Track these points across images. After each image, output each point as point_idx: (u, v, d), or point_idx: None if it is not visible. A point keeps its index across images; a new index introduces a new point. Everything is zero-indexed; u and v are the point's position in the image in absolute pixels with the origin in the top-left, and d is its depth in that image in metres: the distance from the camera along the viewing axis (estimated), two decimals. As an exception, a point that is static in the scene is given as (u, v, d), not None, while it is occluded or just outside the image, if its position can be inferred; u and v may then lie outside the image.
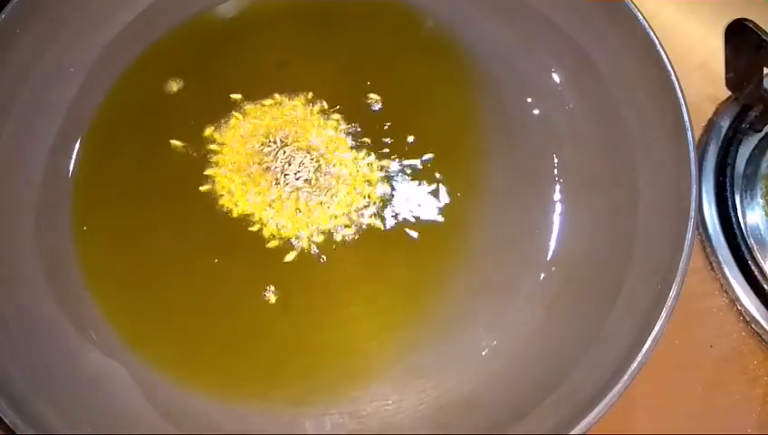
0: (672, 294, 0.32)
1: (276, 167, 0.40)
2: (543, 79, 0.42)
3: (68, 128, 0.41)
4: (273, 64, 0.43)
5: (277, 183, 0.39)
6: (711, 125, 0.43)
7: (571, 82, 0.41)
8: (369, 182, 0.40)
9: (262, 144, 0.40)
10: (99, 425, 0.33)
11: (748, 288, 0.39)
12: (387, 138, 0.41)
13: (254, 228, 0.39)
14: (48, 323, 0.36)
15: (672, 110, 0.36)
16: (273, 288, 0.37)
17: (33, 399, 0.32)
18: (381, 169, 0.40)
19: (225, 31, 0.44)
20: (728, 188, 0.41)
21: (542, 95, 0.42)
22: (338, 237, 0.38)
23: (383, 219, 0.39)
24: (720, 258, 0.40)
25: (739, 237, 0.39)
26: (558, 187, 0.40)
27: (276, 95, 0.42)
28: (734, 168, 0.41)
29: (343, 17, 0.44)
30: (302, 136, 0.41)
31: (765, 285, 0.38)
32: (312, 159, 0.40)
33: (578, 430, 0.30)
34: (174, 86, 0.42)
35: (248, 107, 0.41)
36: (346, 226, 0.39)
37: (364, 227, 0.39)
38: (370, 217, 0.39)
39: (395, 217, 0.39)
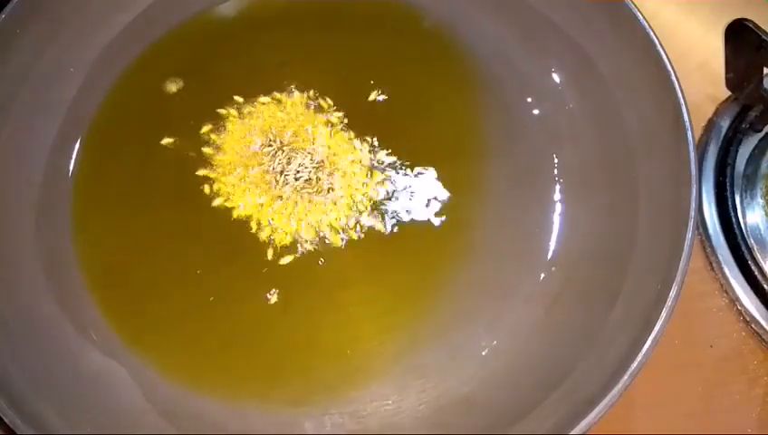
0: (672, 294, 0.32)
1: (276, 167, 0.40)
2: (543, 79, 0.42)
3: (68, 128, 0.41)
4: (273, 64, 0.43)
5: (277, 183, 0.39)
6: (711, 125, 0.43)
7: (571, 82, 0.41)
8: (369, 183, 0.40)
9: (261, 144, 0.40)
10: (99, 425, 0.33)
11: (748, 288, 0.39)
12: (387, 138, 0.41)
13: (254, 229, 0.39)
14: (48, 323, 0.36)
15: (672, 110, 0.36)
16: (273, 289, 0.37)
17: (33, 399, 0.32)
18: (381, 170, 0.40)
19: (225, 31, 0.44)
20: (728, 188, 0.40)
21: (542, 95, 0.42)
22: (338, 238, 0.39)
23: (383, 220, 0.39)
24: (720, 258, 0.40)
25: (739, 237, 0.39)
26: (558, 187, 0.40)
27: (276, 95, 0.42)
28: (734, 168, 0.41)
29: (343, 17, 0.44)
30: (302, 136, 0.41)
31: (765, 285, 0.38)
32: (312, 160, 0.40)
33: (578, 430, 0.30)
34: (174, 86, 0.42)
35: (248, 107, 0.41)
36: (346, 226, 0.39)
37: (364, 227, 0.39)
38: (370, 217, 0.39)
39: (395, 217, 0.39)
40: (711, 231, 0.40)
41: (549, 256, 0.38)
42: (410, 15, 0.44)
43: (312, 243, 0.38)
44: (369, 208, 0.39)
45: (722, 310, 0.39)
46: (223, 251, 0.38)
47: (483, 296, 0.37)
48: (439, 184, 0.40)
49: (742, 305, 0.39)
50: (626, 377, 0.31)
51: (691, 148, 0.34)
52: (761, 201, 0.41)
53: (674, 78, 0.36)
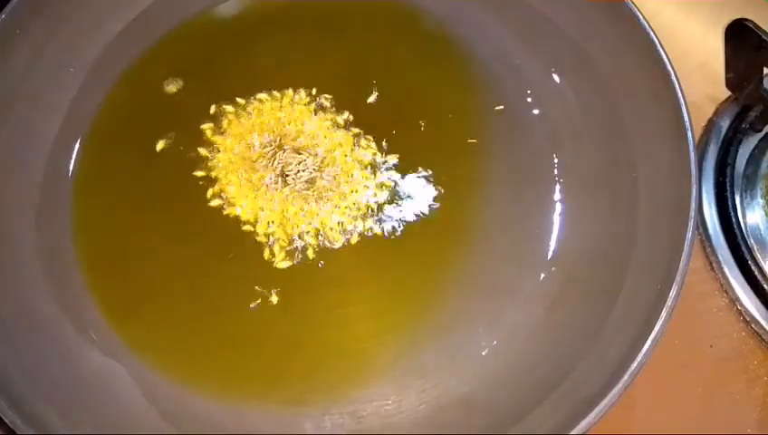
0: (672, 294, 0.32)
1: (276, 167, 0.40)
2: (543, 79, 0.42)
3: (68, 128, 0.41)
4: (273, 64, 0.43)
5: (277, 184, 0.39)
6: (711, 125, 0.43)
7: (571, 82, 0.41)
8: (370, 183, 0.40)
9: (261, 145, 0.40)
10: (98, 425, 0.33)
11: (748, 288, 0.39)
12: (387, 138, 0.41)
13: (254, 229, 0.39)
14: (48, 323, 0.36)
15: (672, 110, 0.36)
16: (273, 289, 0.37)
17: (33, 399, 0.32)
18: (382, 170, 0.40)
19: (225, 31, 0.44)
20: (728, 188, 0.40)
21: (542, 95, 0.42)
22: (338, 238, 0.38)
23: (383, 220, 0.39)
24: (720, 258, 0.40)
25: (739, 237, 0.39)
26: (558, 187, 0.40)
27: (276, 95, 0.42)
28: (734, 168, 0.41)
29: (344, 17, 0.44)
30: (303, 137, 0.41)
31: (765, 285, 0.38)
32: (312, 160, 0.40)
33: (578, 430, 0.30)
34: (174, 86, 0.42)
35: (248, 107, 0.41)
36: (346, 227, 0.39)
37: (364, 227, 0.39)
38: (371, 217, 0.39)
39: (395, 217, 0.39)
40: (711, 231, 0.40)
41: (549, 256, 0.38)
42: (411, 15, 0.44)
43: (312, 243, 0.38)
44: (369, 209, 0.39)
45: (722, 310, 0.39)
46: (223, 251, 0.38)
47: (483, 296, 0.37)
48: (439, 184, 0.40)
49: (742, 305, 0.39)
50: (626, 377, 0.31)
51: (691, 148, 0.34)
52: (761, 201, 0.41)
53: (674, 78, 0.36)
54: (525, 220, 0.39)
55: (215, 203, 0.39)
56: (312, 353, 0.36)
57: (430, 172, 0.40)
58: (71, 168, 0.40)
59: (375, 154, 0.40)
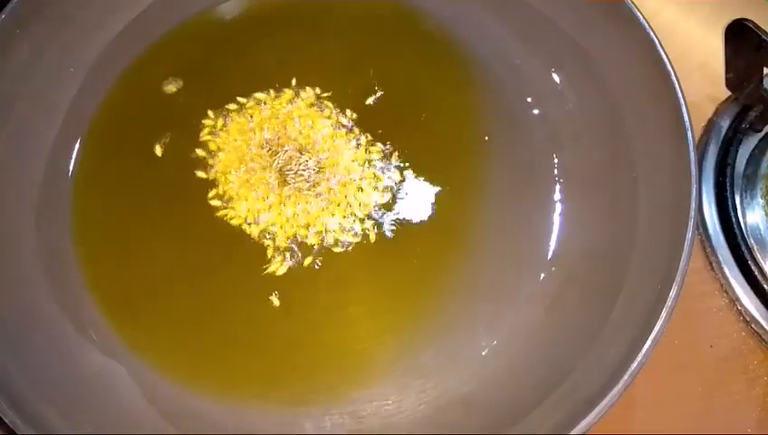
0: (672, 294, 0.32)
1: (276, 168, 0.40)
2: (543, 79, 0.42)
3: (68, 128, 0.41)
4: (273, 64, 0.43)
5: (277, 184, 0.39)
6: (711, 125, 0.43)
7: (571, 82, 0.41)
8: (370, 183, 0.40)
9: (261, 145, 0.40)
10: (99, 425, 0.33)
11: (748, 288, 0.39)
12: (387, 138, 0.41)
13: (254, 230, 0.39)
14: (48, 323, 0.36)
15: (672, 110, 0.36)
16: (273, 289, 0.37)
17: (33, 399, 0.32)
18: (381, 170, 0.40)
19: (225, 31, 0.44)
20: (728, 188, 0.40)
21: (542, 95, 0.42)
22: (338, 238, 0.39)
23: (383, 220, 0.39)
24: (720, 258, 0.40)
25: (739, 237, 0.39)
26: (558, 187, 0.40)
27: (276, 95, 0.42)
28: (734, 168, 0.41)
29: (344, 17, 0.44)
30: (303, 137, 0.41)
31: (765, 285, 0.38)
32: (312, 161, 0.40)
33: (578, 430, 0.30)
34: (174, 86, 0.42)
35: (248, 107, 0.41)
36: (346, 227, 0.39)
37: (364, 227, 0.39)
38: (371, 218, 0.39)
39: (395, 217, 0.39)
40: (711, 231, 0.40)
41: (549, 256, 0.38)
42: (411, 16, 0.44)
43: (312, 243, 0.38)
44: (369, 209, 0.39)
45: (722, 310, 0.39)
46: (223, 251, 0.38)
47: (482, 296, 0.37)
48: (439, 184, 0.40)
49: (742, 305, 0.39)
50: (626, 377, 0.31)
51: (691, 148, 0.34)
52: (761, 201, 0.41)
53: (674, 78, 0.36)
54: (525, 220, 0.39)
55: (215, 203, 0.39)
56: (313, 354, 0.36)
57: (430, 172, 0.40)
58: (71, 168, 0.40)
59: (375, 154, 0.40)
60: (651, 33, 0.37)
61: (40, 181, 0.39)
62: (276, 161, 0.40)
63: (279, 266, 0.38)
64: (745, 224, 0.40)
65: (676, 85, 0.36)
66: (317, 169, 0.40)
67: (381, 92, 0.42)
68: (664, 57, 0.36)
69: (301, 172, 0.40)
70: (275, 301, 0.37)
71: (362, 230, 0.39)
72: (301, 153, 0.40)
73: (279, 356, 0.36)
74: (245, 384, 0.36)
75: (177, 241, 0.39)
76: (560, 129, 0.41)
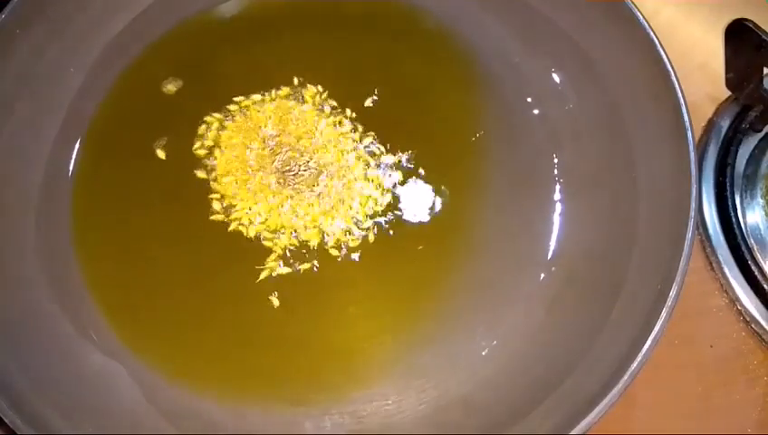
0: (672, 294, 0.32)
1: (276, 168, 0.40)
2: (543, 79, 0.42)
3: (68, 128, 0.41)
4: (273, 64, 0.43)
5: (277, 184, 0.39)
6: (711, 125, 0.43)
7: (571, 82, 0.41)
8: (370, 183, 0.40)
9: (261, 145, 0.40)
10: (99, 425, 0.33)
11: (748, 288, 0.39)
12: (387, 138, 0.41)
13: (254, 230, 0.39)
14: (48, 323, 0.36)
15: (672, 110, 0.36)
16: (273, 289, 0.37)
17: (34, 399, 0.32)
18: (382, 170, 0.40)
19: (225, 31, 0.44)
20: (728, 188, 0.40)
21: (542, 95, 0.42)
22: (339, 238, 0.38)
23: (384, 220, 0.39)
24: (720, 258, 0.40)
25: (739, 237, 0.39)
26: (558, 187, 0.40)
27: (276, 96, 0.42)
28: (734, 168, 0.41)
29: (344, 17, 0.44)
30: (303, 137, 0.41)
31: (765, 285, 0.38)
32: (313, 161, 0.40)
33: (578, 430, 0.30)
34: (173, 86, 0.42)
35: (248, 107, 0.41)
36: (347, 227, 0.39)
37: (365, 228, 0.39)
38: (371, 218, 0.39)
39: (395, 217, 0.39)
40: (711, 231, 0.40)
41: (549, 256, 0.38)
42: (411, 15, 0.44)
43: (312, 244, 0.38)
44: (369, 209, 0.39)
45: (722, 310, 0.39)
46: (223, 251, 0.38)
47: (482, 297, 0.37)
48: (439, 184, 0.40)
49: (742, 305, 0.39)
50: (626, 377, 0.31)
51: (691, 148, 0.34)
52: (761, 201, 0.41)
53: (674, 78, 0.36)
54: (525, 220, 0.39)
55: (215, 204, 0.39)
56: (313, 354, 0.36)
57: (430, 172, 0.40)
58: (71, 168, 0.40)
59: (375, 154, 0.40)
60: (651, 34, 0.37)
61: (40, 181, 0.39)
62: (276, 162, 0.40)
63: (279, 267, 0.38)
64: (745, 224, 0.40)
65: (676, 85, 0.36)
66: (317, 170, 0.40)
67: (381, 92, 0.42)
68: (664, 57, 0.36)
69: (301, 173, 0.40)
70: (275, 301, 0.37)
71: (362, 230, 0.39)
72: (301, 153, 0.40)
73: (279, 356, 0.36)
74: (246, 384, 0.36)
75: (177, 241, 0.39)
76: (560, 129, 0.41)
